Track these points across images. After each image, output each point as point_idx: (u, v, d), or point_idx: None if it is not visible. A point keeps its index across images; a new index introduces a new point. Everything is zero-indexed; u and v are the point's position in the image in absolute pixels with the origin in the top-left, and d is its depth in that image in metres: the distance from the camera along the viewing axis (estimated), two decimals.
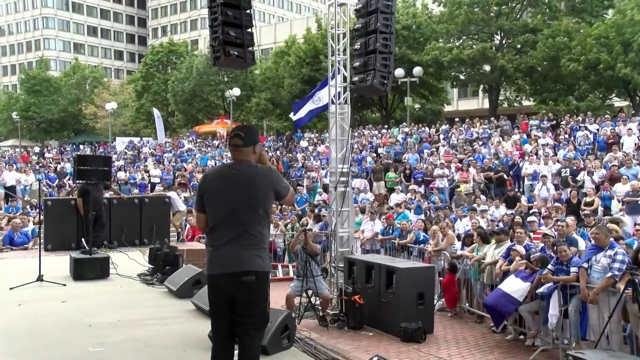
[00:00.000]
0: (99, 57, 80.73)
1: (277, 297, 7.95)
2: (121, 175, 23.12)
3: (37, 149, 40.74)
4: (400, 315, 7.42)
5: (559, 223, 9.18)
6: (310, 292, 8.21)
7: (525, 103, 33.37)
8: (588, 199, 13.21)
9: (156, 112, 37.84)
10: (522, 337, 7.57)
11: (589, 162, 15.15)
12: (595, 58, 24.84)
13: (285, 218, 14.80)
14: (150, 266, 9.17)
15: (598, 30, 25.61)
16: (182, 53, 49.42)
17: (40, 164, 27.30)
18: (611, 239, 6.62)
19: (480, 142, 20.26)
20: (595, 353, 5.08)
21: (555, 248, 7.30)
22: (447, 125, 25.56)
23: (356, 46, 8.24)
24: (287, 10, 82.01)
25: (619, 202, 12.92)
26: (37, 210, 13.96)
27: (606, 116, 21.13)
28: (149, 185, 21.97)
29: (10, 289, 7.71)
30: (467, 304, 9.08)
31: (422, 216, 13.63)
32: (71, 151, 35.69)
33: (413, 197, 15.76)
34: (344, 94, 8.74)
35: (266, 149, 27.36)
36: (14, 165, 22.99)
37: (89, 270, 8.64)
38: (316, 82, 33.27)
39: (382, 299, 7.74)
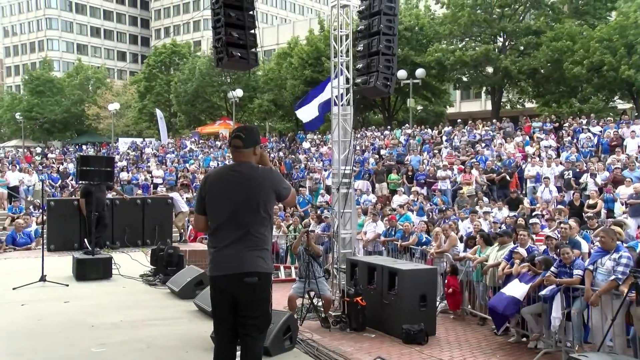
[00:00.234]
0: (102, 58, 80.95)
1: (280, 298, 7.93)
2: (124, 175, 23.16)
3: (38, 150, 40.83)
4: (402, 317, 7.40)
5: (561, 225, 9.17)
6: (312, 293, 8.20)
7: (528, 105, 33.34)
8: (591, 202, 13.19)
9: (159, 113, 37.92)
10: (524, 339, 7.55)
11: (592, 164, 15.12)
12: (599, 60, 24.80)
13: (288, 219, 14.80)
14: (153, 267, 9.18)
15: (601, 32, 25.57)
16: (184, 54, 49.53)
17: (44, 165, 27.35)
18: (617, 243, 6.61)
19: (483, 144, 20.23)
20: (598, 356, 5.07)
21: (558, 250, 7.29)
22: (450, 127, 25.54)
23: (359, 48, 8.24)
24: (290, 11, 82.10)
25: (622, 204, 12.89)
26: (40, 210, 13.98)
27: (609, 118, 21.08)
28: (152, 186, 22.01)
29: (14, 289, 7.73)
30: (469, 306, 9.06)
31: (425, 218, 13.62)
32: (74, 152, 35.78)
33: (415, 199, 15.75)
34: (346, 95, 8.74)
35: (268, 150, 27.37)
36: (17, 165, 23.06)
37: (92, 270, 8.66)
38: (318, 83, 33.29)
39: (385, 300, 7.72)
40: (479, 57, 29.22)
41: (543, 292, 7.01)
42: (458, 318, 8.85)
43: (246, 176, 3.79)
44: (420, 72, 29.18)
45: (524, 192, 16.07)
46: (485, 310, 8.57)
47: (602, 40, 25.15)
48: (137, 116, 49.19)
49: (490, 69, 31.09)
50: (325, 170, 19.62)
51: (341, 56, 8.63)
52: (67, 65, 73.71)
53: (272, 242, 4.05)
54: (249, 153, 3.85)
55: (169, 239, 11.91)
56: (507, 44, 31.01)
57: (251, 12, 7.93)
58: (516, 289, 7.38)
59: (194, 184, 20.25)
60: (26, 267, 9.37)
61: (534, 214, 12.94)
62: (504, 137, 20.72)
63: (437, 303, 8.54)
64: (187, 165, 25.52)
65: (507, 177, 16.26)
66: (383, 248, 12.10)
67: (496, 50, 30.32)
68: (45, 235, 10.73)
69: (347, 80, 8.70)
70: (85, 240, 10.61)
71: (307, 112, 11.05)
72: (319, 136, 29.93)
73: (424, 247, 10.71)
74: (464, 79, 32.39)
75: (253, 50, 7.94)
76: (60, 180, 23.18)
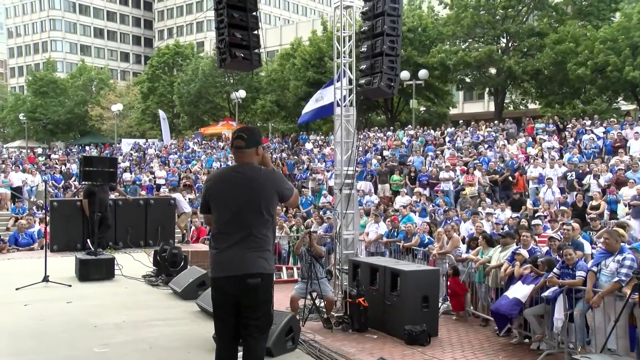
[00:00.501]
0: (106, 59, 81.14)
1: (282, 299, 7.94)
2: (127, 176, 23.21)
3: (39, 150, 40.91)
4: (404, 318, 7.40)
5: (564, 227, 9.15)
6: (314, 294, 8.20)
7: (531, 106, 33.29)
8: (594, 203, 13.16)
9: (162, 114, 37.95)
10: (527, 340, 7.53)
11: (595, 165, 15.08)
12: (604, 61, 24.73)
13: (290, 220, 14.80)
14: (155, 267, 9.19)
15: (605, 32, 25.51)
16: (188, 55, 49.61)
17: (47, 165, 27.42)
18: (622, 244, 6.59)
19: (486, 145, 20.20)
20: (601, 357, 5.05)
21: (560, 252, 7.27)
22: (453, 128, 25.51)
23: (363, 49, 8.23)
24: (293, 12, 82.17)
25: (626, 205, 12.86)
26: (43, 211, 14.02)
27: (612, 119, 21.04)
28: (154, 187, 22.03)
29: (17, 289, 7.76)
30: (472, 307, 9.05)
31: (427, 219, 13.61)
32: (77, 152, 35.84)
33: (418, 200, 15.73)
34: (349, 96, 8.74)
35: (271, 151, 27.39)
36: (20, 166, 23.12)
37: (95, 271, 8.68)
38: (321, 84, 33.32)
39: (387, 301, 7.72)
40: (482, 58, 29.19)
41: (546, 294, 7.00)
42: (460, 319, 8.84)
43: (249, 177, 3.79)
44: (423, 73, 29.16)
45: (526, 193, 16.04)
46: (487, 312, 8.56)
47: (606, 40, 25.09)
48: (140, 117, 49.28)
49: (493, 70, 31.05)
50: (328, 171, 19.62)
51: (344, 57, 8.63)
52: (70, 66, 73.90)
53: (274, 243, 4.04)
54: (251, 153, 3.85)
55: (171, 239, 11.93)
56: (510, 45, 30.96)
57: (254, 13, 7.95)
58: (519, 291, 7.37)
59: (197, 185, 20.26)
60: (29, 267, 9.40)
61: (536, 215, 12.91)
62: (507, 139, 20.70)
63: (440, 304, 8.53)
64: (189, 166, 25.55)
65: (510, 178, 16.24)
66: (385, 249, 12.09)
67: (499, 51, 30.28)
68: (48, 236, 10.78)
69: (350, 81, 8.70)
70: (88, 240, 10.63)
71: (306, 108, 11.17)
72: (322, 137, 29.94)
73: (427, 248, 10.70)
74: (467, 80, 32.36)
75: (256, 51, 7.96)
76: (63, 181, 23.23)
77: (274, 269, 3.94)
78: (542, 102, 31.02)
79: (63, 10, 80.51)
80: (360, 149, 21.11)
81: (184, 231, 13.61)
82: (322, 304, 8.19)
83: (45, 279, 8.09)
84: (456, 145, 21.47)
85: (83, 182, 11.66)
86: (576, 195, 13.91)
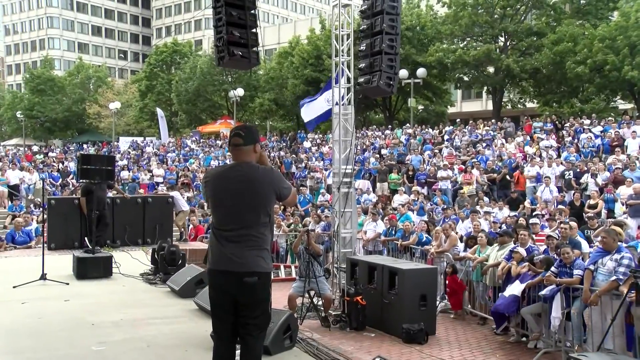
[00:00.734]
0: (103, 57, 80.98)
1: (280, 297, 7.94)
2: (124, 174, 23.18)
3: (35, 148, 40.82)
4: (402, 316, 7.40)
5: (562, 225, 9.17)
6: (312, 292, 8.20)
7: (529, 105, 33.32)
8: (592, 202, 13.19)
9: (160, 112, 37.93)
10: (524, 339, 7.55)
11: (592, 164, 15.11)
12: (602, 60, 24.75)
13: (288, 218, 14.80)
14: (153, 266, 9.19)
15: (603, 31, 25.53)
16: (186, 53, 49.53)
17: (44, 163, 27.37)
18: (619, 243, 6.60)
19: (484, 144, 20.23)
20: (598, 356, 5.07)
21: (558, 250, 7.29)
22: (451, 127, 25.53)
23: (362, 47, 8.23)
24: (292, 11, 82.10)
25: (623, 204, 12.88)
26: (41, 209, 13.99)
27: (610, 118, 21.08)
28: (155, 185, 22.00)
29: (14, 287, 7.75)
30: (469, 306, 9.07)
31: (425, 217, 13.62)
32: (75, 150, 35.80)
33: (416, 199, 15.74)
34: (347, 94, 8.74)
35: (269, 149, 27.37)
36: (18, 164, 23.07)
37: (92, 269, 8.68)
38: (319, 82, 33.41)
39: (385, 300, 7.73)
40: (480, 57, 29.20)
41: (543, 292, 7.01)
42: (458, 318, 8.85)
43: (246, 176, 3.78)
44: (421, 71, 29.16)
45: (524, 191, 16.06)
46: (485, 310, 8.58)
47: (605, 39, 25.11)
48: (138, 115, 49.20)
49: (491, 69, 31.08)
50: (326, 169, 19.63)
51: (342, 56, 8.63)
52: (68, 64, 73.75)
53: (272, 241, 4.05)
54: (249, 151, 3.85)
55: (169, 237, 11.92)
56: (508, 44, 30.98)
57: (252, 11, 7.94)
58: (516, 290, 7.41)
59: (195, 183, 20.26)
60: (27, 265, 9.38)
61: (534, 213, 12.93)
62: (505, 137, 20.72)
63: (437, 302, 8.54)
64: (187, 164, 25.52)
65: (508, 177, 16.26)
66: (383, 247, 12.10)
67: (497, 50, 30.29)
68: (45, 234, 10.76)
69: (348, 79, 8.70)
70: (86, 238, 10.63)
71: (310, 111, 11.12)
72: (320, 135, 29.94)
73: (424, 246, 10.71)
74: (465, 78, 32.37)
75: (254, 49, 7.95)
76: (61, 179, 23.19)
77: (271, 267, 3.95)
78: (540, 101, 31.06)
79: (60, 7, 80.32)
80: (359, 147, 21.11)
81: (182, 229, 13.61)
82: (320, 303, 8.19)
83: (43, 277, 8.08)
84: (454, 143, 21.50)
85: (81, 180, 11.63)
86: (574, 194, 13.93)
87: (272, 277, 4.10)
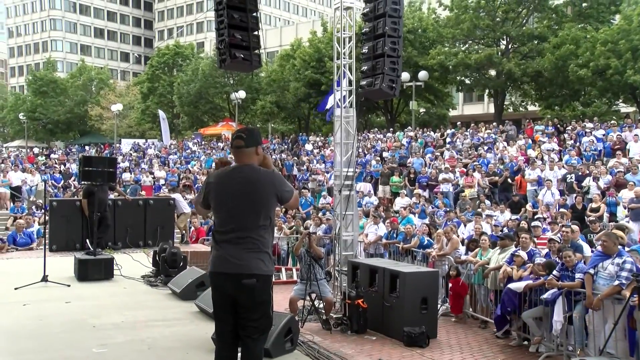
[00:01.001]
0: (106, 59, 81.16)
1: (281, 300, 7.94)
2: (126, 176, 23.19)
3: (36, 150, 40.87)
4: (403, 319, 7.39)
5: (564, 229, 9.15)
6: (313, 295, 8.19)
7: (531, 108, 33.29)
8: (594, 205, 13.17)
9: (161, 114, 37.94)
10: (526, 343, 7.53)
11: (594, 168, 15.09)
12: (605, 63, 24.73)
13: (290, 221, 14.79)
14: (154, 268, 9.18)
15: (605, 34, 25.52)
16: (188, 55, 49.59)
17: (46, 165, 27.41)
18: (620, 247, 6.59)
19: (486, 147, 20.21)
20: None
21: (560, 254, 7.27)
22: (453, 130, 25.52)
23: (364, 50, 8.22)
24: (293, 13, 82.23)
25: (625, 208, 12.86)
26: (43, 210, 14.01)
27: (612, 122, 21.06)
28: (160, 186, 21.99)
29: (15, 289, 7.75)
30: (470, 309, 9.05)
31: (427, 220, 13.60)
32: (77, 152, 35.82)
33: (417, 202, 15.73)
34: (349, 97, 8.74)
35: (271, 151, 27.38)
36: (20, 165, 23.11)
37: (93, 271, 8.68)
38: (321, 85, 33.44)
39: (386, 303, 7.72)
40: (482, 60, 29.19)
41: (545, 296, 6.99)
42: (459, 321, 8.83)
43: (248, 178, 3.78)
44: (423, 74, 29.15)
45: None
46: (486, 314, 8.56)
47: (607, 42, 25.10)
48: (139, 117, 49.26)
49: (493, 72, 31.06)
50: (328, 172, 19.62)
51: (344, 58, 8.63)
52: (70, 66, 73.92)
53: (273, 244, 4.04)
54: (250, 153, 3.85)
55: (170, 240, 11.90)
56: (510, 47, 30.97)
57: (254, 14, 7.96)
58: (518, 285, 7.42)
59: (196, 185, 20.24)
60: (28, 267, 9.39)
61: (536, 217, 12.91)
62: (507, 140, 20.70)
63: (439, 306, 8.53)
64: (189, 166, 25.54)
65: (509, 181, 16.23)
66: (385, 250, 12.09)
67: (499, 53, 30.29)
68: (47, 236, 10.77)
69: (350, 82, 8.70)
70: (87, 240, 10.64)
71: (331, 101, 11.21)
72: (322, 138, 29.94)
73: (426, 249, 10.69)
74: (467, 81, 32.35)
75: (256, 51, 7.97)
76: (62, 181, 23.22)
77: (272, 270, 3.93)
78: (542, 104, 31.02)
79: (63, 10, 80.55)
80: (360, 150, 21.11)
81: (184, 231, 13.62)
82: (321, 305, 8.19)
83: (44, 278, 8.08)
84: (456, 146, 21.49)
85: (82, 182, 11.66)
86: (575, 197, 13.91)
87: (273, 279, 4.09)
